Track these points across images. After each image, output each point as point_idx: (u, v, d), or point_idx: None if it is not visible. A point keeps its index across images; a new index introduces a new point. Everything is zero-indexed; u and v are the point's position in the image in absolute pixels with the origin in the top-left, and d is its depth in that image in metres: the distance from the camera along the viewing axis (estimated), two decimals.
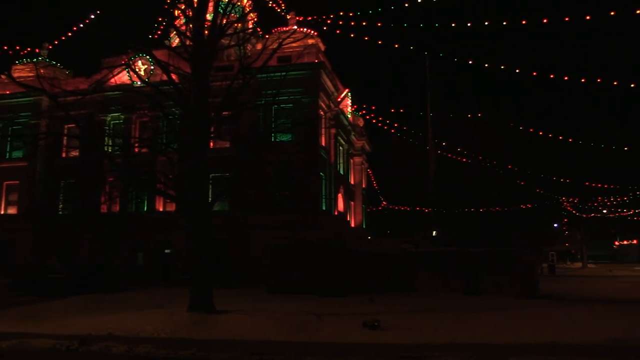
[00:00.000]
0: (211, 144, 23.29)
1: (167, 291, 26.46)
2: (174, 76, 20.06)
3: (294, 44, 24.96)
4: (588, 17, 24.34)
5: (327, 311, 18.03)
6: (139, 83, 23.07)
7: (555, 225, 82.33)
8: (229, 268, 33.54)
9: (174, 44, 29.59)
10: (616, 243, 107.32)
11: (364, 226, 52.83)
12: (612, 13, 23.69)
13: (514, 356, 10.60)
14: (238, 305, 19.23)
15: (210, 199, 19.98)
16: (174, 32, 25.19)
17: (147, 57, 34.12)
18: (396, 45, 31.12)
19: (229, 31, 20.35)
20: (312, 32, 35.60)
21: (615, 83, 28.20)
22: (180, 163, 19.90)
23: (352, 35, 29.75)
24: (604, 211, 69.09)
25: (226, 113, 21.58)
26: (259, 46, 26.22)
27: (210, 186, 21.78)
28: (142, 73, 35.63)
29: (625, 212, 68.14)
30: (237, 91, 19.62)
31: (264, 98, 21.08)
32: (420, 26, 30.57)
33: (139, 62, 37.33)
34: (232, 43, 20.80)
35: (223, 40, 21.43)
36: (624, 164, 51.58)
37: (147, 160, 24.39)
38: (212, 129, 19.93)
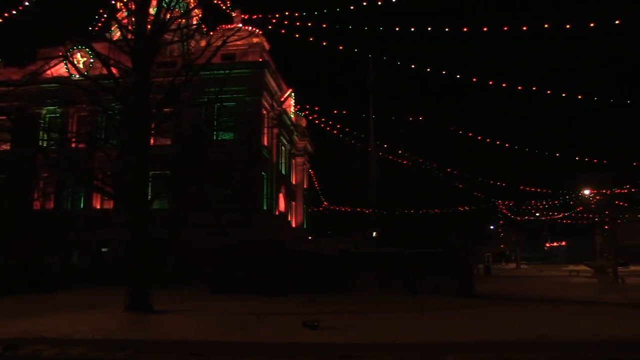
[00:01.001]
0: (151, 140, 22.83)
1: (103, 291, 25.76)
2: (114, 70, 19.57)
3: (238, 42, 24.81)
4: (525, 28, 25.28)
5: (267, 311, 18.00)
6: (77, 76, 22.36)
7: (492, 227, 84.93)
8: (169, 267, 32.99)
9: (115, 37, 28.77)
10: (547, 245, 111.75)
11: (304, 226, 53.02)
12: (545, 26, 24.69)
13: (451, 354, 10.87)
14: (177, 305, 18.94)
15: (149, 196, 19.59)
16: (115, 25, 24.57)
17: (86, 49, 33.12)
18: (340, 47, 31.37)
19: (173, 26, 20.03)
20: (257, 30, 35.43)
21: (548, 92, 29.48)
22: (119, 159, 19.45)
23: (297, 36, 29.79)
24: (537, 214, 71.88)
25: (167, 110, 21.24)
26: (203, 43, 25.84)
27: (150, 184, 21.36)
28: (80, 66, 34.56)
29: (555, 215, 71.21)
30: (179, 88, 19.34)
31: (206, 96, 20.84)
32: (365, 29, 30.95)
33: (78, 55, 36.17)
34: (176, 39, 20.47)
35: (166, 36, 21.07)
36: (556, 169, 53.87)
37: (84, 156, 23.70)
38: (152, 126, 19.56)
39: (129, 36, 19.39)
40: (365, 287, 25.34)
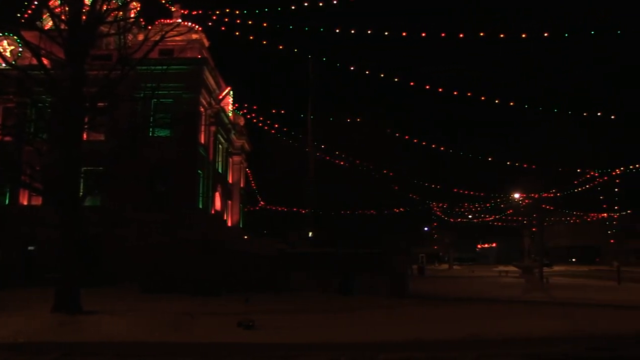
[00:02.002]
0: (84, 135, 22.09)
1: (30, 291, 24.62)
2: (45, 61, 18.79)
3: (177, 38, 24.30)
4: (461, 35, 26.00)
5: (203, 311, 17.78)
6: (3, 65, 21.34)
7: (426, 228, 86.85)
8: (102, 266, 31.89)
9: (47, 27, 27.64)
10: (478, 246, 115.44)
11: (241, 226, 52.65)
12: (481, 34, 25.50)
13: (384, 353, 11.04)
14: (109, 306, 18.39)
15: (81, 192, 18.94)
16: (47, 14, 23.60)
17: (15, 37, 31.70)
18: (280, 47, 31.26)
19: (109, 19, 19.42)
20: (197, 27, 34.85)
21: (482, 98, 30.49)
22: (50, 154, 18.71)
23: (237, 34, 29.50)
24: (470, 216, 74.19)
25: (102, 104, 20.60)
26: (141, 37, 25.15)
27: (82, 179, 20.65)
28: (7, 54, 33.00)
29: (487, 217, 73.76)
30: (115, 82, 18.80)
31: (143, 91, 20.34)
32: (306, 29, 30.98)
33: (5, 42, 34.55)
34: (112, 31, 19.84)
35: (102, 28, 20.40)
36: (488, 173, 55.38)
37: (11, 150, 22.65)
38: (86, 120, 18.93)
39: (62, 26, 18.65)
40: (303, 287, 25.39)
